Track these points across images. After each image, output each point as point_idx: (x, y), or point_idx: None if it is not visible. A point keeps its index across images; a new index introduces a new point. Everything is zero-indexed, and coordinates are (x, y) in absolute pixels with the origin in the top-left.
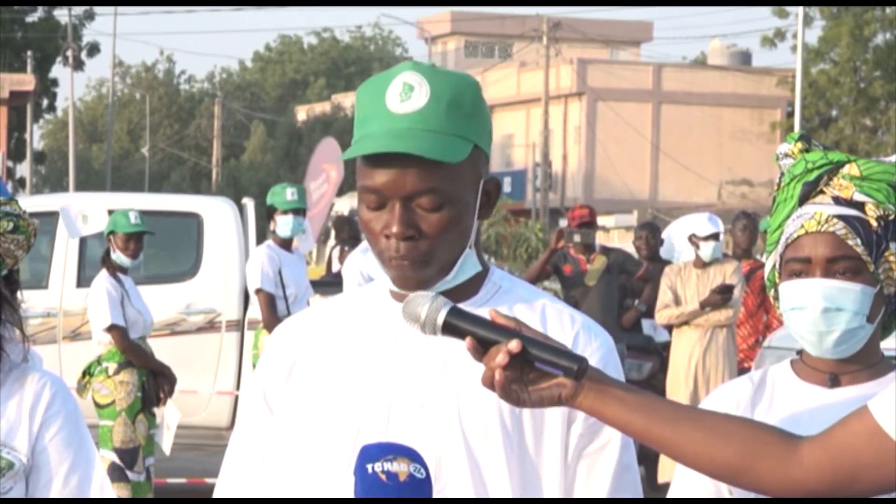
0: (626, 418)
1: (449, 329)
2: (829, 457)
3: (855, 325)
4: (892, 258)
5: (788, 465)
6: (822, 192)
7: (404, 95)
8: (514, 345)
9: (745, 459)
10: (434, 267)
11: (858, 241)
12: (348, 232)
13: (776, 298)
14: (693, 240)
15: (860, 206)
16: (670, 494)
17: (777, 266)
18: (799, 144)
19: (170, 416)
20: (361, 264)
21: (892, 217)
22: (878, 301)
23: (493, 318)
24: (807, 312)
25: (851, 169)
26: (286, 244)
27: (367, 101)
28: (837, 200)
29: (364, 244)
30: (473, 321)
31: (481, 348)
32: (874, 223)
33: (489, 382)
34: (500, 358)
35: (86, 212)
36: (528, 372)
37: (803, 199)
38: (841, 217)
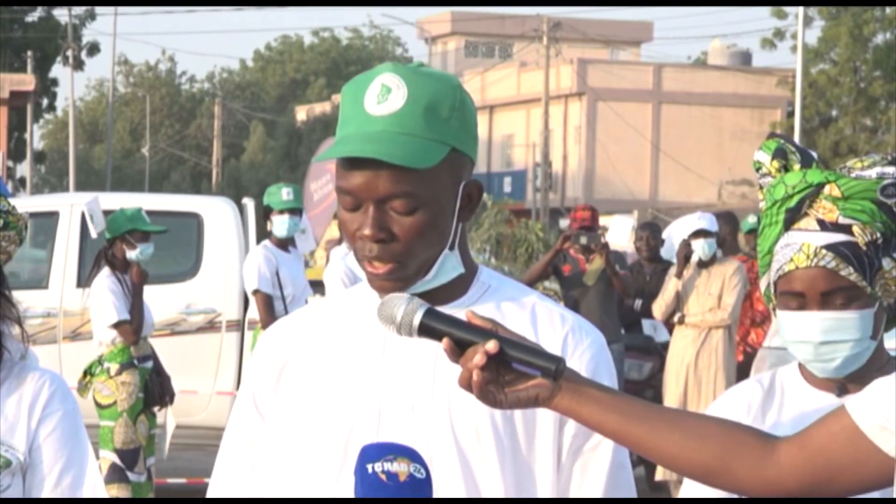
0: (602, 419)
1: (425, 331)
2: (806, 457)
3: (858, 349)
4: (887, 274)
5: (765, 466)
6: (806, 213)
7: (381, 97)
8: (491, 345)
9: (721, 460)
10: (408, 269)
11: (851, 269)
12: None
13: (774, 311)
14: (687, 241)
15: (847, 228)
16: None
17: (772, 289)
18: (775, 163)
19: (169, 423)
20: (345, 265)
21: (879, 238)
22: (879, 316)
23: (470, 318)
24: (807, 346)
25: (832, 190)
26: (283, 244)
27: (347, 101)
28: (823, 225)
29: (344, 246)
30: (450, 322)
31: (458, 349)
32: (863, 246)
33: (466, 383)
34: (478, 359)
35: (91, 211)
36: (505, 373)
37: (788, 224)
38: (830, 247)
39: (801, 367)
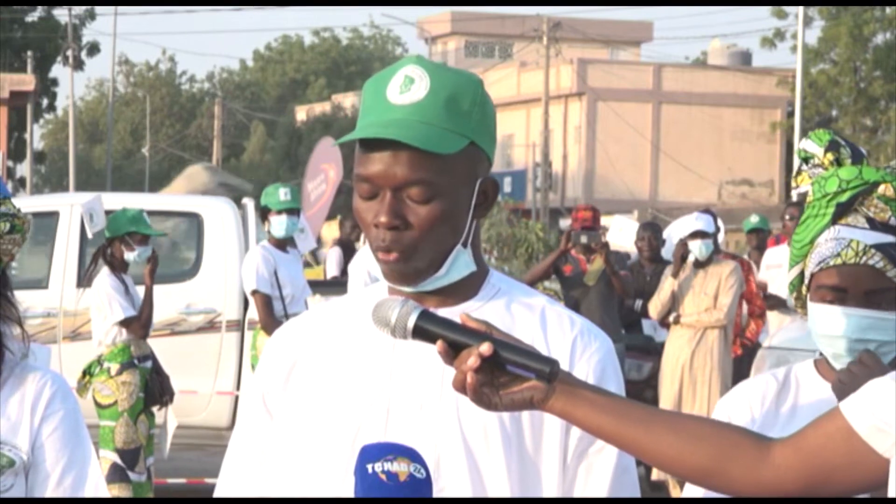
0: (597, 421)
1: (419, 333)
2: (801, 458)
3: (888, 350)
4: None
5: (761, 467)
6: (855, 210)
7: (404, 87)
8: (485, 348)
9: (717, 462)
10: (421, 261)
11: None
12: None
13: (798, 299)
14: (684, 241)
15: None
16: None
17: (806, 280)
18: (829, 155)
19: (170, 422)
20: (368, 263)
21: None
22: None
23: (464, 321)
24: (841, 340)
25: (887, 190)
26: (281, 244)
27: (369, 92)
28: (873, 223)
29: (365, 248)
30: (444, 325)
31: (452, 352)
32: None
33: (460, 386)
34: (472, 361)
35: (91, 210)
36: (500, 375)
37: (836, 218)
38: (879, 247)
39: (816, 363)
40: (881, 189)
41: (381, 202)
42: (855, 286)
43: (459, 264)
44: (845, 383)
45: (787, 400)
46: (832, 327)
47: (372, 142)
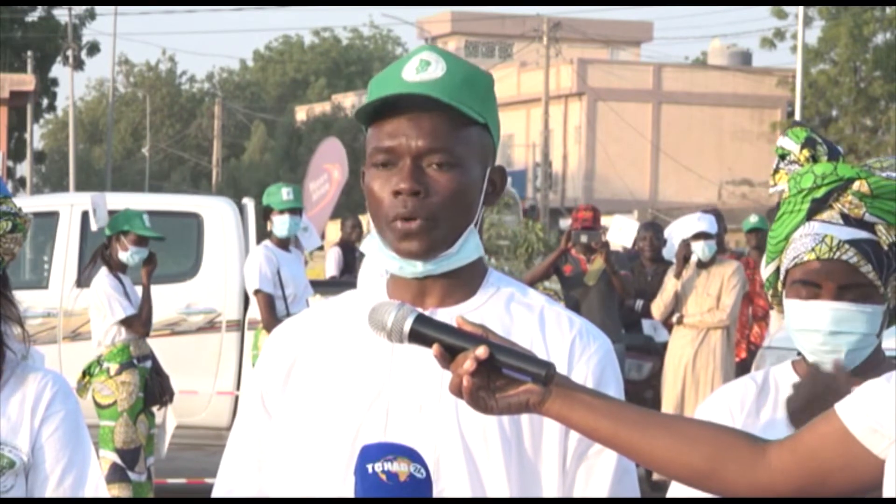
0: (594, 424)
1: (416, 337)
2: (796, 460)
3: (864, 344)
4: None
5: (756, 469)
6: (830, 206)
7: (420, 68)
8: (481, 351)
9: (712, 464)
10: (438, 232)
11: (870, 266)
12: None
13: (774, 296)
14: (687, 241)
15: (870, 226)
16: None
17: (781, 276)
18: (805, 152)
19: (169, 422)
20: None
21: None
22: (885, 316)
23: (460, 324)
24: (816, 335)
25: (861, 186)
26: (284, 244)
27: (380, 80)
28: (847, 219)
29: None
30: (440, 328)
31: (448, 355)
32: (885, 246)
33: (457, 389)
34: (468, 364)
35: (96, 205)
36: (496, 379)
37: (811, 214)
38: (853, 243)
39: (794, 364)
40: (856, 185)
41: (401, 171)
42: (828, 281)
43: (470, 245)
44: (798, 394)
45: (766, 403)
46: (807, 321)
47: (390, 113)
